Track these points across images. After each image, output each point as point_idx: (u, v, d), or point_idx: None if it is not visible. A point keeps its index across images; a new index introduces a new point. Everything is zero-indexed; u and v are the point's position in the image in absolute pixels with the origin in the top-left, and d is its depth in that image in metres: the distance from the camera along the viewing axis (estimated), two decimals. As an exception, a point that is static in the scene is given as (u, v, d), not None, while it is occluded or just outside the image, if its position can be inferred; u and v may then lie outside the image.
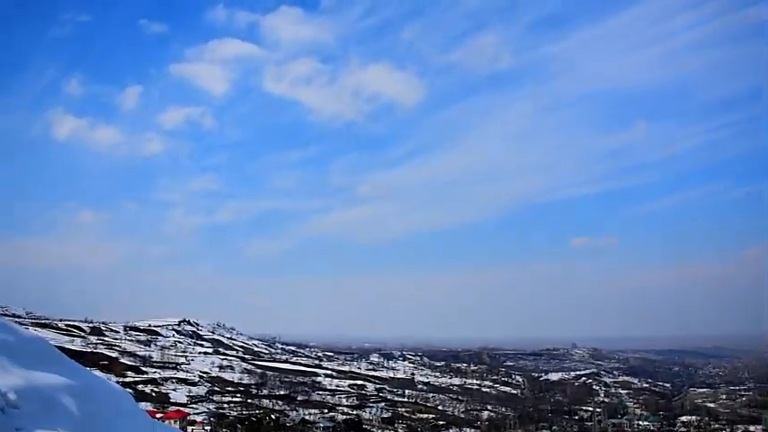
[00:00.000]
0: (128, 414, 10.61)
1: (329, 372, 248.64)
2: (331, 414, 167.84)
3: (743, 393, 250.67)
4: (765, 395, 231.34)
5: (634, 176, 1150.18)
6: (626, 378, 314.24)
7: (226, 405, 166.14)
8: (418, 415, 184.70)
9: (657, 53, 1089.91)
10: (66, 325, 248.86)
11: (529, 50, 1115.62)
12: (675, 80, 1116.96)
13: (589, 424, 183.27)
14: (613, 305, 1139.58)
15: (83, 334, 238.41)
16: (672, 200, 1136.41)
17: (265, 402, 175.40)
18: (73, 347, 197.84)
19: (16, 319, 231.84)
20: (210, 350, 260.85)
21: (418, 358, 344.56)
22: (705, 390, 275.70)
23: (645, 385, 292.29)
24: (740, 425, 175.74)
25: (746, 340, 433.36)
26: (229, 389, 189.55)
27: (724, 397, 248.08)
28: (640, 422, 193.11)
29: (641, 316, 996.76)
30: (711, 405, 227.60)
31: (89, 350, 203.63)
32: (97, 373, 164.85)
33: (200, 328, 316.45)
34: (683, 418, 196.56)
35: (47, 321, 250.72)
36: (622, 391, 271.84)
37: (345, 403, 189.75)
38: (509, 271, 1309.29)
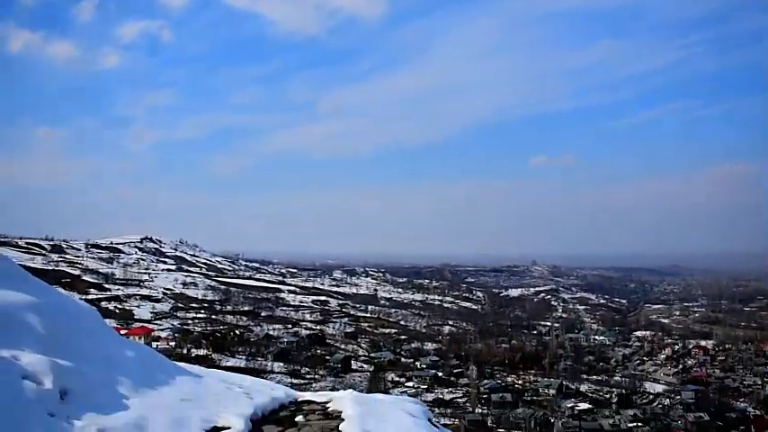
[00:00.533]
0: (95, 331, 10.59)
1: (292, 288, 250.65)
2: (295, 329, 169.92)
3: (696, 310, 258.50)
4: (717, 312, 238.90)
5: (595, 95, 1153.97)
6: (584, 294, 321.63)
7: (190, 321, 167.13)
8: (381, 330, 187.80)
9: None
10: (27, 243, 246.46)
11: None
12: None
13: (547, 338, 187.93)
14: (573, 223, 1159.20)
15: (44, 252, 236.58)
16: (634, 119, 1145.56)
17: (229, 318, 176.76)
18: (34, 265, 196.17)
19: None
20: (173, 267, 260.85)
21: (381, 274, 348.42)
22: (660, 306, 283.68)
23: (602, 301, 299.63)
24: (692, 339, 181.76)
25: (703, 259, 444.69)
26: (193, 305, 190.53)
27: (678, 313, 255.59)
28: (596, 337, 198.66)
29: (600, 234, 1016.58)
30: (665, 321, 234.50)
31: (51, 268, 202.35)
32: (60, 290, 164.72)
33: (162, 245, 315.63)
34: (638, 333, 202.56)
35: (6, 239, 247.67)
36: (580, 307, 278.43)
37: (309, 319, 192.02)
38: (471, 188, 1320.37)
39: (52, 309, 9.56)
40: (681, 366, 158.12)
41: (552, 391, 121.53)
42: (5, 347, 7.52)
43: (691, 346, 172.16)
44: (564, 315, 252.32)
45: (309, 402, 11.75)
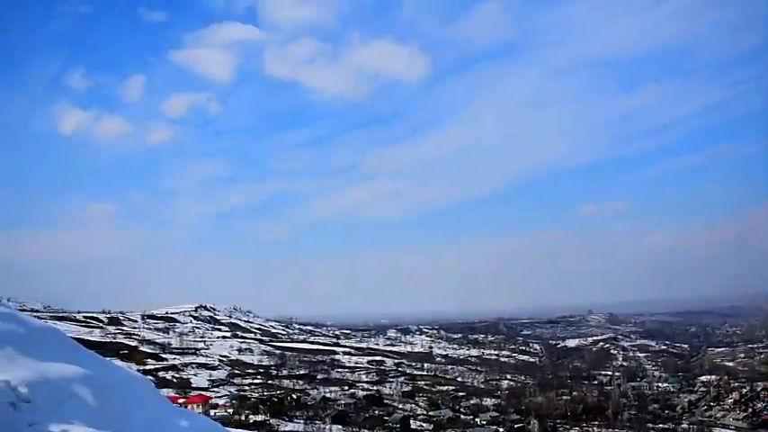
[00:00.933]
0: (148, 401, 10.44)
1: (347, 349, 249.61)
2: (351, 390, 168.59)
3: (761, 351, 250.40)
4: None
5: (642, 140, 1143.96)
6: (643, 341, 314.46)
7: (247, 387, 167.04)
8: (438, 387, 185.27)
9: (660, 15, 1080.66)
10: (85, 316, 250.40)
11: (529, 19, 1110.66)
12: (681, 41, 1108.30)
13: (609, 388, 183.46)
14: (627, 270, 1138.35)
15: (101, 325, 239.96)
16: (682, 161, 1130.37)
17: (286, 382, 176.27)
18: (92, 338, 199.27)
19: (34, 314, 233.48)
20: (228, 334, 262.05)
21: (435, 331, 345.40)
22: (723, 349, 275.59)
23: (662, 347, 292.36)
24: (760, 382, 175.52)
25: (762, 299, 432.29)
26: (249, 371, 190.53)
27: (742, 355, 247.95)
28: (660, 384, 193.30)
29: (656, 279, 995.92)
30: (730, 364, 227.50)
31: (108, 340, 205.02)
32: (117, 362, 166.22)
33: (216, 312, 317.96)
34: (703, 378, 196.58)
35: (65, 314, 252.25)
36: (640, 354, 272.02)
37: (365, 379, 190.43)
38: (520, 241, 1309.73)
39: (104, 380, 9.43)
40: (750, 410, 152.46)
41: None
42: (55, 421, 7.33)
43: (759, 389, 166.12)
44: (624, 363, 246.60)
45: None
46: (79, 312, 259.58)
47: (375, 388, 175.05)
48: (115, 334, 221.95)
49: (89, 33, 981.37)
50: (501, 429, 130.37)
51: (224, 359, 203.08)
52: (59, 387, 8.35)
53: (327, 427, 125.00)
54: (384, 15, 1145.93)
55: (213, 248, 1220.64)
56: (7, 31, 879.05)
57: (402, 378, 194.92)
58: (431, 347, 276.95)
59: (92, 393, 8.71)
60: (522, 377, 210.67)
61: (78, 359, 9.85)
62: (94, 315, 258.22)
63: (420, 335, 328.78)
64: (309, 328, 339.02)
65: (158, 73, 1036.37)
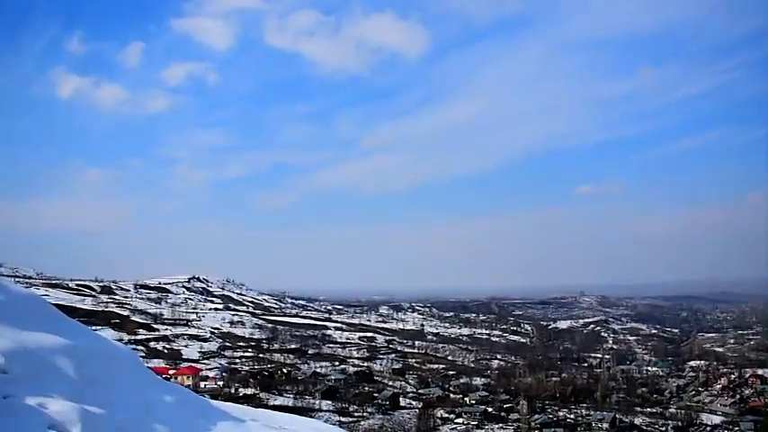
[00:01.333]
0: (132, 374, 10.18)
1: (339, 325, 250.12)
2: (342, 366, 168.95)
3: (750, 337, 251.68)
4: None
5: (640, 123, 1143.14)
6: (634, 324, 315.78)
7: (238, 360, 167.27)
8: (428, 365, 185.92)
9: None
10: (77, 285, 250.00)
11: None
12: (681, 23, 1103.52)
13: (598, 371, 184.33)
14: (621, 252, 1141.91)
15: (94, 293, 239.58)
16: (679, 144, 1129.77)
17: (277, 356, 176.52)
18: (84, 307, 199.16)
19: (27, 281, 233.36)
20: (221, 306, 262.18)
21: (427, 309, 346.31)
22: (713, 334, 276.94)
23: (653, 331, 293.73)
24: (749, 368, 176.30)
25: (754, 285, 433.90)
26: (241, 344, 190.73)
27: (732, 341, 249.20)
28: (649, 368, 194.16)
29: (648, 262, 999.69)
30: (720, 349, 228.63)
31: (100, 309, 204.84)
32: (109, 331, 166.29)
33: (209, 284, 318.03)
34: (692, 363, 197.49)
35: (57, 282, 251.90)
36: (631, 338, 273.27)
37: (356, 355, 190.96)
38: (515, 220, 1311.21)
39: (86, 351, 9.10)
40: (738, 396, 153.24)
41: (605, 425, 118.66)
42: (32, 394, 7.02)
43: (747, 375, 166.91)
44: (615, 346, 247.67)
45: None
46: (72, 281, 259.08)
47: (366, 364, 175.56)
48: (107, 303, 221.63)
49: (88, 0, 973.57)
50: (490, 409, 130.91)
51: (215, 331, 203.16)
52: (39, 358, 8.02)
53: (317, 401, 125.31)
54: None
55: (209, 219, 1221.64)
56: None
57: (393, 355, 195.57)
58: (422, 325, 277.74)
59: (73, 365, 8.40)
60: (513, 357, 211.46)
61: (61, 329, 9.51)
62: (87, 284, 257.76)
63: (412, 312, 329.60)
64: (302, 302, 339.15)
65: (158, 41, 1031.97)
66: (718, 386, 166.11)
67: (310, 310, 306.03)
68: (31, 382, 7.45)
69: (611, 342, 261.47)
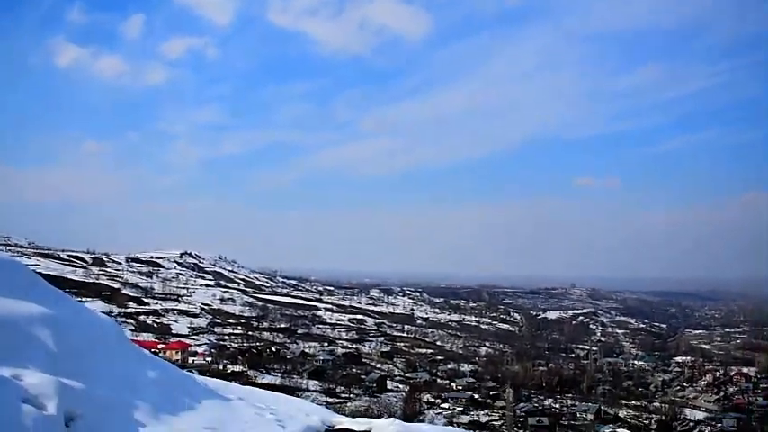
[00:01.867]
0: (115, 347, 9.82)
1: (329, 306, 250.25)
2: (331, 347, 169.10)
3: (737, 336, 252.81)
4: (759, 338, 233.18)
5: (639, 118, 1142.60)
6: (623, 318, 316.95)
7: (227, 337, 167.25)
8: (417, 350, 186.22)
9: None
10: (69, 255, 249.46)
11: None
12: (685, 21, 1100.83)
13: (585, 362, 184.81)
14: (613, 246, 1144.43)
15: (85, 265, 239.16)
16: (675, 143, 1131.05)
17: (266, 335, 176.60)
18: (75, 278, 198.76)
19: (18, 249, 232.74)
20: (212, 282, 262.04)
21: (418, 294, 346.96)
22: (700, 331, 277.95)
23: (641, 325, 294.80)
24: (734, 366, 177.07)
25: (743, 284, 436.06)
26: (230, 321, 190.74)
27: (719, 339, 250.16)
28: (636, 361, 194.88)
29: (640, 257, 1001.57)
30: (706, 346, 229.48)
31: (91, 281, 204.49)
32: (99, 303, 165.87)
33: (201, 260, 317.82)
34: (678, 359, 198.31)
35: (49, 252, 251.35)
36: (619, 331, 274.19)
37: (345, 337, 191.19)
38: (511, 208, 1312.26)
39: (66, 322, 8.68)
40: (722, 393, 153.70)
41: (590, 416, 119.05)
42: (6, 365, 6.57)
43: (732, 373, 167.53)
44: (602, 339, 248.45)
45: (346, 431, 10.92)
46: (63, 251, 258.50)
47: (354, 346, 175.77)
48: (98, 275, 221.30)
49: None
50: (476, 395, 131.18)
51: (206, 307, 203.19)
52: (15, 327, 7.60)
53: (305, 381, 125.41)
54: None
55: (204, 196, 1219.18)
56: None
57: (382, 338, 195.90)
58: (412, 310, 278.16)
59: (52, 336, 7.99)
60: (501, 345, 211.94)
61: (41, 298, 9.10)
62: (79, 254, 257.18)
63: (403, 296, 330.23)
64: (293, 282, 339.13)
65: (159, 14, 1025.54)
66: (703, 382, 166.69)
67: (301, 290, 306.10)
68: (6, 352, 7.03)
69: (599, 334, 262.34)
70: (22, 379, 6.67)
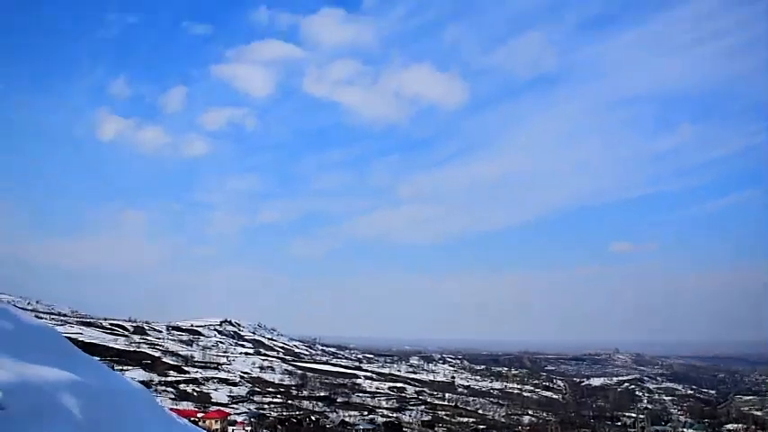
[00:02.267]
0: (145, 416, 9.55)
1: (369, 374, 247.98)
2: (371, 416, 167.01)
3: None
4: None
5: (676, 181, 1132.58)
6: (670, 384, 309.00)
7: (266, 405, 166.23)
8: (458, 419, 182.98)
9: (701, 55, 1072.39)
10: (111, 324, 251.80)
11: (572, 52, 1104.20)
12: (719, 82, 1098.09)
13: (632, 430, 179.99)
14: (657, 310, 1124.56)
15: (126, 333, 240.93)
16: (716, 204, 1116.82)
17: (305, 403, 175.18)
18: (116, 346, 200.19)
19: (61, 317, 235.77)
20: (251, 350, 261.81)
21: (458, 361, 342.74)
22: (751, 397, 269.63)
23: (689, 392, 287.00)
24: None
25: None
26: (270, 389, 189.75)
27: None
28: (685, 429, 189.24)
29: (685, 321, 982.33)
30: (758, 413, 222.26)
31: (132, 349, 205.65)
32: (139, 371, 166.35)
33: (241, 328, 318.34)
34: (729, 426, 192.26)
35: (91, 320, 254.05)
36: (666, 398, 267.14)
37: (385, 405, 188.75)
38: (550, 275, 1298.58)
39: (96, 389, 8.39)
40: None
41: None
42: None
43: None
44: (649, 406, 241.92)
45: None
46: (106, 319, 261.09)
47: (395, 415, 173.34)
48: (139, 343, 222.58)
49: (134, 43, 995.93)
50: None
51: (245, 376, 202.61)
52: (42, 394, 7.33)
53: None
54: (425, 40, 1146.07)
55: (242, 264, 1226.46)
56: (56, 36, 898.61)
57: (422, 407, 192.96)
58: (453, 377, 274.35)
59: (79, 404, 7.69)
60: (544, 414, 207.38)
61: (71, 364, 8.87)
62: (120, 323, 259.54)
63: (443, 364, 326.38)
64: (332, 349, 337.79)
65: (199, 86, 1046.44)
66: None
67: (340, 358, 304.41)
68: (31, 420, 6.76)
69: (645, 401, 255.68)
70: (44, 449, 6.39)
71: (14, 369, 7.39)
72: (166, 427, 10.01)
